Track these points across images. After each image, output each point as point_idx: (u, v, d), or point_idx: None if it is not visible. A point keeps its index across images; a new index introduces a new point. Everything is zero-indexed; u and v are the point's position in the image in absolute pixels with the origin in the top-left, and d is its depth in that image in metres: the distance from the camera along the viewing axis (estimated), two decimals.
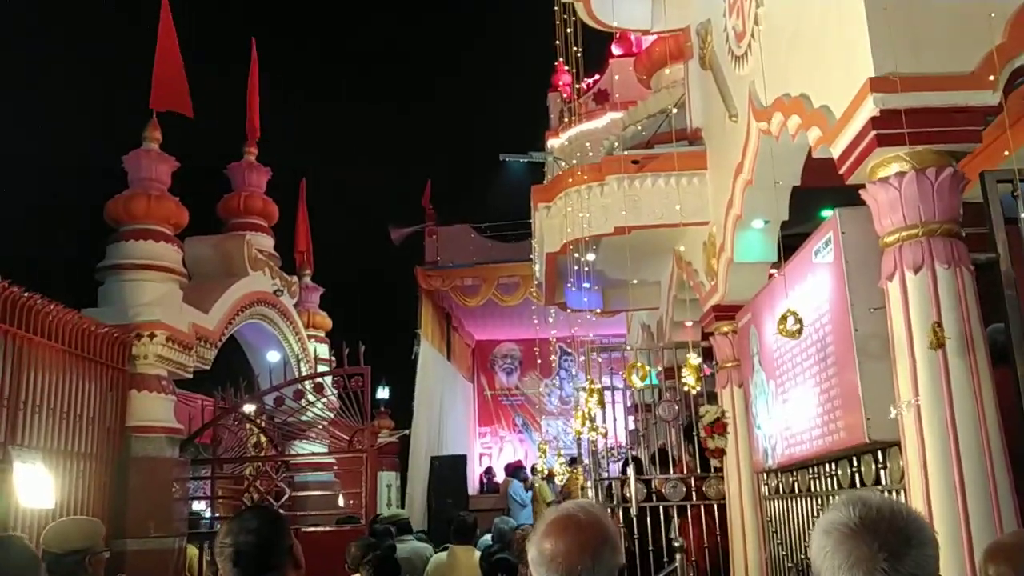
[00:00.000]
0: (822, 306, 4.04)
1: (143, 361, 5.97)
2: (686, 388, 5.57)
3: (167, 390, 6.21)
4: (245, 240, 7.78)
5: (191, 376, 6.70)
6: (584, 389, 6.15)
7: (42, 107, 13.04)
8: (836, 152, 3.72)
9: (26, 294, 4.83)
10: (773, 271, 5.84)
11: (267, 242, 8.57)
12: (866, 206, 3.59)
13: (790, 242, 5.93)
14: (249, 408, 7.35)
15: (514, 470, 14.29)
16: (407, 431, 13.32)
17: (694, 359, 5.22)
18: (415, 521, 11.31)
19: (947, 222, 3.30)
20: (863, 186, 3.61)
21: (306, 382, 7.27)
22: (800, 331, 3.43)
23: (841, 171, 3.71)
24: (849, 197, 4.15)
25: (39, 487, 4.57)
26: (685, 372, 5.22)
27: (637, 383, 5.23)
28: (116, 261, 6.18)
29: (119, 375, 5.85)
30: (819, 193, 5.77)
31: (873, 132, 3.36)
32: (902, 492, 3.60)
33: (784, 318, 3.44)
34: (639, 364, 5.27)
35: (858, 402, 3.69)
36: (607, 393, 7.29)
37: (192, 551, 6.48)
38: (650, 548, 6.39)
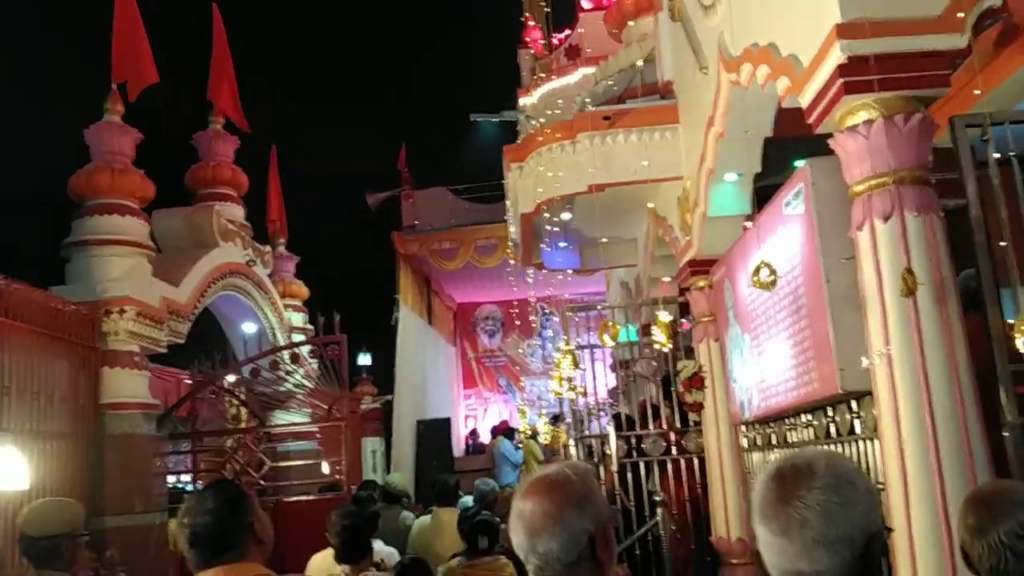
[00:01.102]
0: (794, 258, 4.01)
1: (114, 337, 5.88)
2: (656, 345, 5.56)
3: (140, 366, 6.14)
4: (214, 211, 7.65)
5: (165, 351, 6.62)
6: (557, 350, 6.14)
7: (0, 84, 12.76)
8: (804, 101, 3.68)
9: None
10: (747, 224, 5.82)
11: (238, 212, 8.43)
12: (836, 156, 3.55)
13: (766, 194, 5.90)
14: (228, 380, 7.30)
15: (505, 430, 14.37)
16: (390, 397, 13.32)
17: (664, 316, 5.20)
18: (404, 484, 11.34)
19: (916, 169, 3.26)
20: (832, 136, 3.57)
21: (283, 352, 7.21)
22: (774, 283, 3.41)
23: (810, 121, 3.67)
24: (824, 147, 4.11)
25: (11, 469, 4.51)
26: (655, 330, 5.20)
27: (609, 342, 5.21)
28: (82, 237, 6.06)
29: (90, 353, 5.77)
30: (793, 144, 5.73)
31: (841, 80, 3.31)
32: (876, 441, 3.62)
33: (758, 269, 3.42)
34: (610, 323, 5.25)
35: (830, 353, 3.68)
36: (588, 351, 7.30)
37: (174, 525, 6.45)
38: (632, 504, 6.44)
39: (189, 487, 7.59)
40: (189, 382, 7.29)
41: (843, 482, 1.39)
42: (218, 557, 2.15)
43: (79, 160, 6.34)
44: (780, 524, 1.35)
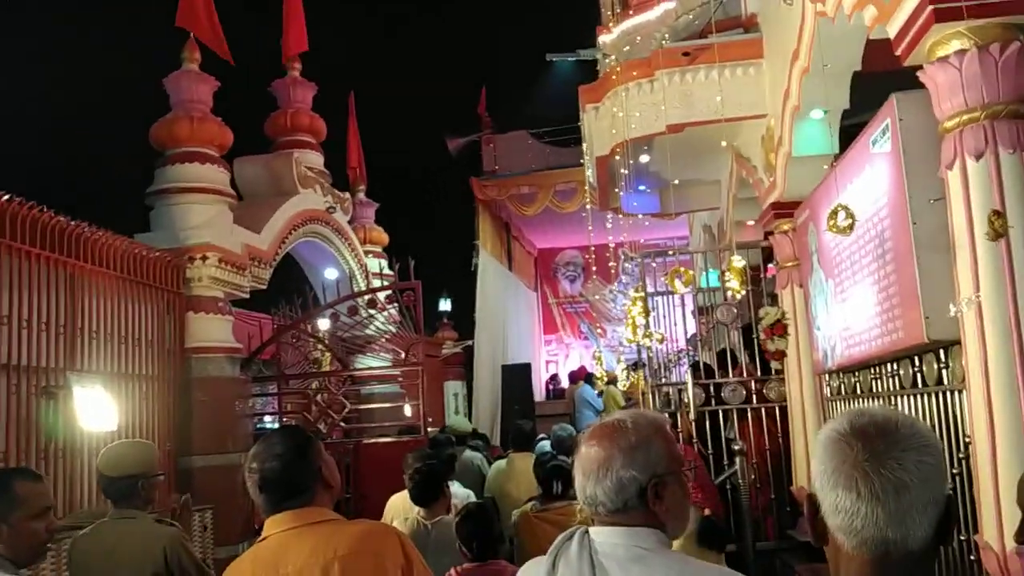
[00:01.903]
0: (880, 199, 3.80)
1: (198, 283, 6.03)
2: (730, 292, 5.38)
3: (224, 311, 6.29)
4: (293, 158, 7.72)
5: (248, 296, 6.77)
6: (632, 296, 6.01)
7: (79, 34, 13.06)
8: (892, 31, 3.44)
9: (73, 223, 4.87)
10: (834, 164, 5.55)
11: (316, 159, 8.48)
12: (926, 90, 3.31)
13: (854, 133, 5.61)
14: (311, 325, 7.43)
15: (585, 376, 14.35)
16: (470, 342, 13.42)
17: (738, 262, 5.01)
18: (484, 429, 11.48)
19: (1012, 103, 3.02)
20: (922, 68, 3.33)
21: (363, 297, 7.29)
22: (851, 227, 3.22)
23: (898, 52, 3.43)
24: (915, 82, 3.85)
25: (100, 410, 4.70)
26: (729, 276, 5.02)
27: (681, 288, 5.06)
28: (164, 185, 6.19)
29: (175, 298, 5.93)
30: (884, 79, 5.41)
31: (930, 6, 3.07)
32: (964, 392, 3.43)
33: (834, 213, 3.24)
34: (682, 268, 5.09)
35: (917, 300, 3.49)
36: (669, 297, 7.15)
37: None
38: (710, 452, 6.34)
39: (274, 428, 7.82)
40: (272, 326, 7.46)
41: (932, 442, 1.28)
42: (287, 501, 2.17)
43: (161, 110, 6.46)
44: (870, 487, 1.22)
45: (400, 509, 4.92)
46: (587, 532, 1.70)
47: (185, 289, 6.03)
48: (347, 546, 2.14)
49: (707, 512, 4.26)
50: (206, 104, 6.48)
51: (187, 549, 3.41)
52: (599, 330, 17.44)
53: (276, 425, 7.94)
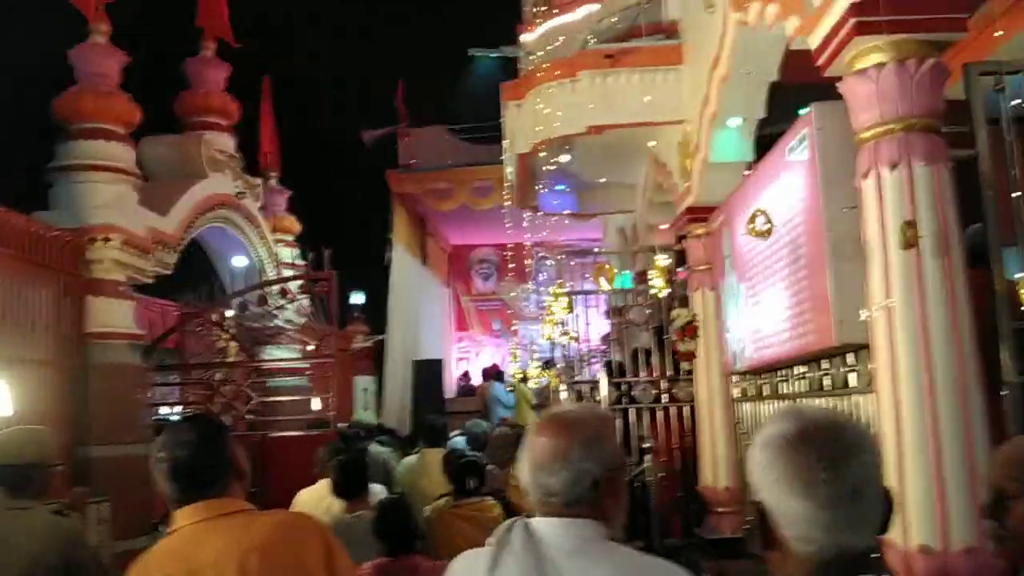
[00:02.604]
0: (795, 206, 3.90)
1: (99, 266, 5.76)
2: (653, 291, 5.47)
3: (126, 295, 6.03)
4: (204, 139, 7.47)
5: (152, 281, 6.51)
6: (550, 294, 6.04)
7: None
8: (814, 43, 3.53)
9: None
10: (748, 172, 5.69)
11: (228, 142, 8.22)
12: (843, 101, 3.42)
13: (769, 142, 5.75)
14: (217, 314, 7.21)
15: (496, 373, 14.36)
16: (382, 336, 13.27)
17: (662, 261, 5.10)
18: (393, 424, 11.35)
19: (926, 116, 3.14)
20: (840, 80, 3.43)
21: (273, 287, 7.11)
22: (770, 231, 3.30)
23: (818, 63, 3.52)
24: (828, 95, 3.96)
25: None
26: (652, 275, 5.10)
27: (605, 286, 5.11)
28: (66, 162, 5.89)
29: (74, 280, 5.65)
30: (799, 91, 5.57)
31: (852, 20, 3.17)
32: (871, 395, 3.55)
33: (753, 217, 3.31)
34: (607, 266, 5.15)
35: (828, 304, 3.60)
36: (583, 298, 7.22)
37: None
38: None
39: (176, 419, 7.55)
40: (177, 314, 7.20)
41: (871, 438, 1.30)
42: (199, 492, 2.06)
43: (65, 82, 6.15)
44: (829, 495, 1.21)
45: (310, 504, 4.80)
46: (527, 524, 1.67)
47: (85, 271, 5.75)
48: (265, 536, 2.05)
49: None
50: (113, 79, 6.20)
51: (83, 543, 3.25)
52: (511, 328, 17.48)
53: (177, 416, 7.68)
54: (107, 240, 5.73)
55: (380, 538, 3.36)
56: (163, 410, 7.47)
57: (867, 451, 1.26)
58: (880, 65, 3.16)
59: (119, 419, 5.80)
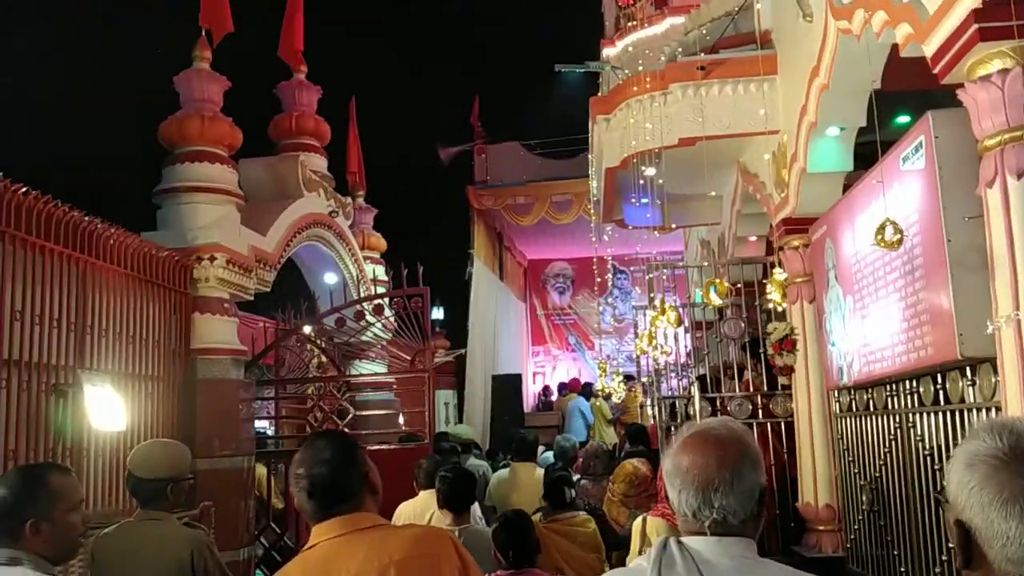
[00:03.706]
0: (910, 216, 3.81)
1: (204, 284, 5.96)
2: (771, 304, 5.39)
3: (229, 312, 6.21)
4: (299, 161, 7.67)
5: (252, 298, 6.70)
6: (647, 308, 6.00)
7: (92, 30, 12.95)
8: (930, 50, 3.45)
9: (87, 218, 4.80)
10: (846, 181, 5.59)
11: (320, 163, 8.43)
12: (961, 108, 3.34)
13: (861, 151, 5.65)
14: (310, 329, 7.37)
15: (581, 388, 14.37)
16: (463, 350, 13.38)
17: (779, 274, 5.03)
18: (476, 438, 11.44)
19: None
20: (944, 89, 3.35)
21: (365, 303, 7.24)
22: (900, 241, 3.23)
23: (935, 70, 3.45)
24: (927, 101, 3.88)
25: (109, 409, 4.62)
26: (770, 288, 5.03)
27: (715, 300, 5.07)
28: (172, 184, 6.11)
29: (182, 298, 5.85)
30: (893, 98, 5.47)
31: (975, 25, 3.09)
32: (992, 410, 3.45)
33: (882, 227, 3.24)
34: (717, 281, 5.10)
35: (950, 317, 3.50)
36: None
37: (260, 469, 6.58)
38: None
39: (270, 432, 7.73)
40: (274, 330, 7.38)
41: None
42: (336, 508, 2.12)
43: (171, 108, 6.39)
44: None
45: (412, 517, 4.86)
46: (681, 543, 1.66)
47: (192, 289, 5.95)
48: (402, 551, 2.09)
49: None
50: (216, 103, 6.42)
51: (213, 553, 3.36)
52: (587, 343, 17.45)
53: (273, 430, 7.86)
54: (212, 259, 5.92)
55: (503, 550, 3.38)
56: (260, 424, 7.65)
57: None
58: (1004, 71, 3.08)
59: (223, 433, 5.97)
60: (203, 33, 6.42)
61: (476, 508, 5.36)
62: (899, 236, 3.17)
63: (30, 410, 4.26)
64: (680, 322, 5.77)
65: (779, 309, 5.36)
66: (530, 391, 17.25)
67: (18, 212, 4.23)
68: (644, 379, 9.33)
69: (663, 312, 5.35)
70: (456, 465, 5.21)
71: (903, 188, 3.90)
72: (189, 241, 5.93)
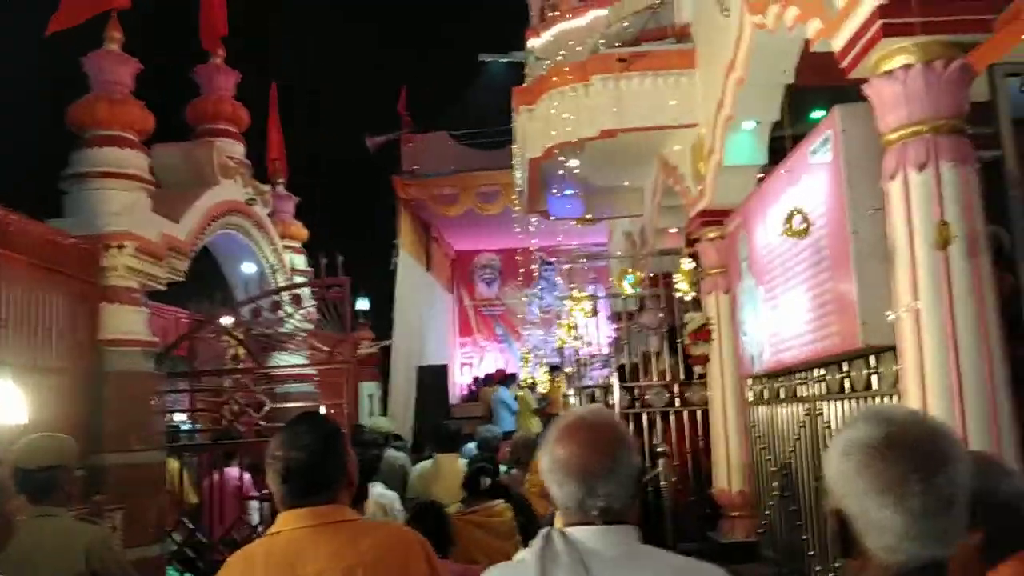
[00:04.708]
0: (818, 208, 3.90)
1: (113, 273, 5.73)
2: (679, 294, 5.47)
3: (139, 302, 6.00)
4: (215, 146, 7.45)
5: (164, 288, 6.48)
6: (569, 298, 6.04)
7: None
8: (838, 44, 3.54)
9: None
10: (761, 175, 5.70)
11: (238, 149, 8.21)
12: (867, 103, 3.43)
13: (777, 145, 5.78)
14: (227, 320, 7.19)
15: (502, 378, 14.36)
16: (388, 342, 13.27)
17: (687, 264, 5.11)
18: (400, 430, 11.36)
19: (954, 117, 3.15)
20: (856, 85, 3.44)
21: (284, 293, 7.09)
22: (807, 231, 3.31)
23: (842, 65, 3.53)
24: (840, 97, 3.98)
25: (10, 403, 4.42)
26: (678, 278, 5.10)
27: (627, 289, 5.11)
28: (81, 169, 5.86)
29: (88, 288, 5.63)
30: (808, 93, 5.60)
31: (880, 21, 3.18)
32: (895, 397, 3.55)
33: (790, 217, 3.31)
34: (629, 270, 5.15)
35: (853, 306, 3.60)
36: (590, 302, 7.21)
37: (173, 464, 6.40)
38: None
39: (185, 427, 7.51)
40: (187, 321, 7.19)
41: (960, 444, 1.25)
42: (309, 496, 2.04)
43: (78, 91, 6.14)
44: (922, 505, 1.17)
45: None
46: (564, 533, 1.65)
47: (100, 278, 5.73)
48: (371, 551, 2.02)
49: None
50: (127, 86, 6.18)
51: (111, 548, 3.25)
52: (517, 334, 17.49)
53: (188, 424, 7.65)
54: (121, 247, 5.70)
55: None
56: (177, 417, 7.45)
57: (960, 457, 1.23)
58: (907, 66, 3.17)
59: (133, 426, 5.77)
60: (113, 13, 6.17)
61: (395, 500, 5.31)
62: (806, 225, 3.25)
63: None
64: (595, 312, 5.81)
65: (686, 299, 5.43)
66: (456, 382, 17.22)
67: None
68: (567, 369, 9.38)
69: (577, 302, 5.37)
70: (369, 458, 5.14)
71: (812, 181, 3.99)
72: (98, 228, 5.70)
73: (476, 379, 17.22)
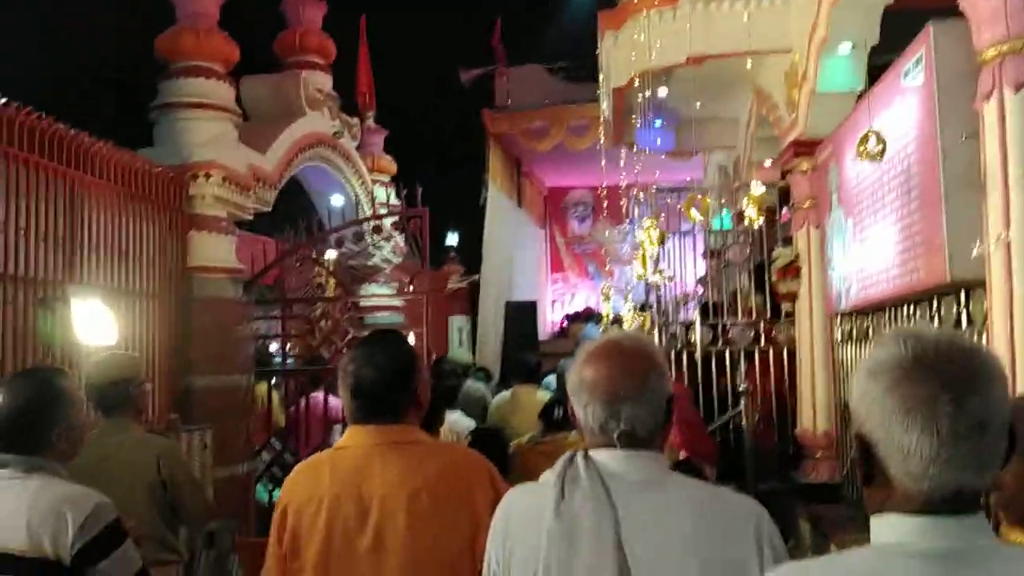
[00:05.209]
0: (908, 133, 3.64)
1: (200, 201, 5.89)
2: (747, 221, 5.24)
3: (226, 231, 6.16)
4: (302, 78, 7.51)
5: (252, 218, 6.64)
6: (644, 228, 5.87)
7: None
8: None
9: (73, 131, 4.74)
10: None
11: (325, 81, 8.25)
12: (965, 21, 3.14)
13: (876, 71, 5.41)
14: (319, 250, 7.34)
15: (589, 315, 14.27)
16: (476, 276, 13.32)
17: (757, 189, 4.86)
18: (488, 364, 11.47)
19: None
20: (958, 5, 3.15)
21: (366, 224, 7.16)
22: (882, 153, 3.08)
23: None
24: (943, 18, 3.66)
25: (99, 324, 4.62)
26: (747, 204, 4.88)
27: (696, 217, 4.92)
28: (168, 100, 6.01)
29: (177, 216, 5.80)
30: (912, 15, 5.20)
31: None
32: (984, 335, 3.33)
33: (865, 138, 3.10)
34: (699, 196, 4.96)
35: (941, 238, 3.36)
36: (680, 238, 7.02)
37: (261, 388, 6.62)
38: (714, 393, 6.29)
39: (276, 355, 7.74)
40: (276, 250, 7.35)
41: (1000, 366, 1.14)
42: (378, 415, 2.07)
43: (167, 22, 6.25)
44: (951, 428, 1.07)
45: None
46: (589, 456, 1.61)
47: (188, 207, 5.90)
48: (437, 475, 2.03)
49: (683, 456, 4.15)
50: (213, 17, 6.26)
51: (180, 460, 3.38)
52: (607, 271, 17.30)
53: (279, 349, 7.88)
54: (208, 176, 5.84)
55: None
56: (263, 343, 7.68)
57: (996, 379, 1.11)
58: None
59: (221, 351, 5.98)
60: None
61: (468, 429, 5.36)
62: (882, 147, 3.02)
63: (16, 324, 4.27)
64: (663, 240, 5.63)
65: (754, 227, 5.19)
66: (547, 318, 17.23)
67: None
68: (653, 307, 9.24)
69: (647, 231, 5.22)
70: (443, 389, 5.19)
71: (903, 104, 3.72)
72: (185, 158, 5.85)
73: (567, 316, 17.18)
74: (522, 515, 1.67)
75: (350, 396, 2.08)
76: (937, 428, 1.08)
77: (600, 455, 1.60)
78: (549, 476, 1.63)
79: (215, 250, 6.06)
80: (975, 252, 2.99)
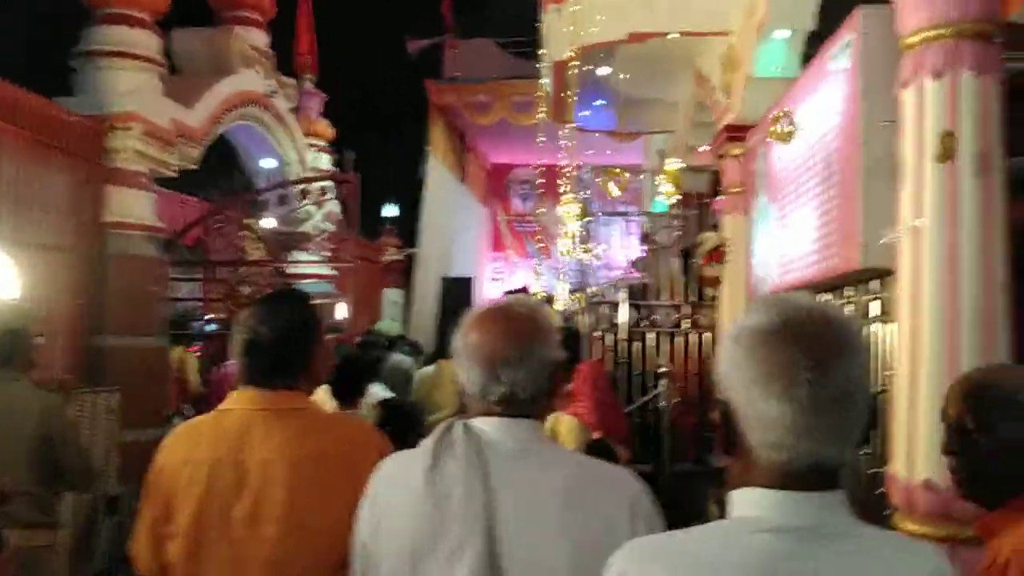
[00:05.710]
0: (832, 119, 3.64)
1: (120, 155, 5.67)
2: (660, 197, 5.25)
3: (146, 187, 5.95)
4: (235, 33, 7.29)
5: (175, 175, 6.43)
6: (566, 202, 5.84)
7: None
8: None
9: None
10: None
11: (260, 38, 8.02)
12: (893, 5, 3.13)
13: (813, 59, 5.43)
14: (246, 212, 7.15)
15: (521, 293, 14.21)
16: (414, 249, 13.18)
17: (671, 164, 4.84)
18: (422, 339, 11.37)
19: (981, 22, 2.85)
20: None
21: (293, 188, 7.00)
22: (792, 134, 3.06)
23: None
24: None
25: (1, 276, 4.41)
26: (663, 179, 4.87)
27: (614, 191, 4.90)
28: (90, 47, 5.76)
29: (94, 168, 5.58)
30: (849, 3, 5.23)
31: None
32: (891, 325, 3.35)
33: (776, 118, 3.07)
34: (617, 170, 4.93)
35: (857, 225, 3.37)
36: (610, 221, 7.05)
37: (176, 352, 6.44)
38: (637, 373, 6.31)
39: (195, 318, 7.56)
40: (199, 210, 7.14)
41: (861, 338, 1.11)
42: (270, 377, 1.94)
43: None
44: (812, 397, 1.03)
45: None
46: (467, 425, 1.55)
47: (106, 160, 5.67)
48: (322, 445, 1.92)
49: (597, 435, 4.14)
50: None
51: (66, 418, 3.24)
52: (543, 248, 17.29)
53: (199, 313, 7.69)
54: (128, 128, 5.63)
55: None
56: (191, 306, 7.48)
57: (859, 350, 1.08)
58: None
59: (135, 310, 5.79)
60: None
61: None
62: (791, 128, 3.00)
63: None
64: (583, 215, 5.62)
65: (666, 203, 5.19)
66: (484, 295, 17.16)
67: None
68: (590, 289, 9.26)
69: (568, 204, 5.17)
70: (346, 355, 5.08)
71: (829, 89, 3.71)
72: (104, 108, 5.63)
73: (505, 294, 17.14)
74: (393, 483, 1.61)
75: (241, 353, 1.96)
76: (796, 395, 1.04)
77: (478, 422, 1.54)
78: (427, 442, 1.56)
79: (133, 206, 5.85)
80: (884, 240, 2.99)
